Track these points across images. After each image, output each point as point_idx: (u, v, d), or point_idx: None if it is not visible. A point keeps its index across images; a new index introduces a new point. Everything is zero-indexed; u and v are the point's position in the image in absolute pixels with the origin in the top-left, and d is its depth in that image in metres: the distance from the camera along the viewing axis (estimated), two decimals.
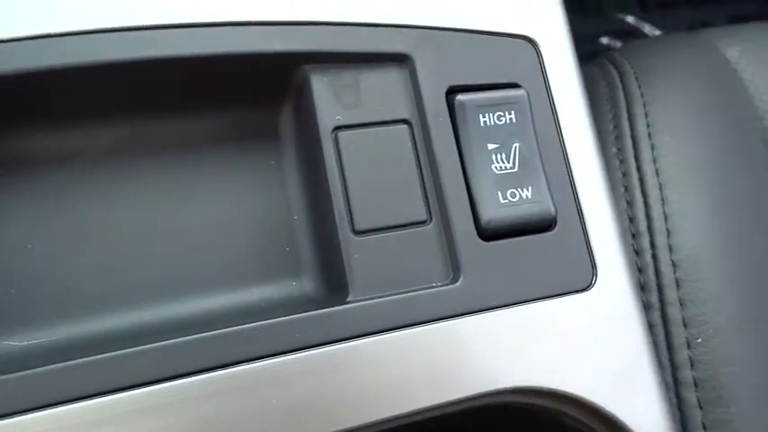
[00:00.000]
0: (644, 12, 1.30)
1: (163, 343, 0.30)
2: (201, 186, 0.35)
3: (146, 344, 0.30)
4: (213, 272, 0.34)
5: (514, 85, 0.37)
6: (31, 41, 0.30)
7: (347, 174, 0.33)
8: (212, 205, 0.35)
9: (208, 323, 0.32)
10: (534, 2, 0.38)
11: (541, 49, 0.38)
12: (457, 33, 0.36)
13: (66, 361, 0.29)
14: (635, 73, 0.52)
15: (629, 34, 1.27)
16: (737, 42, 0.57)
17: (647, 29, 1.28)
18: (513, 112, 0.36)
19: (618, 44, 1.27)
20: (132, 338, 0.31)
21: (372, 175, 0.34)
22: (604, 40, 1.26)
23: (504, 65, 0.37)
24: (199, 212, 0.35)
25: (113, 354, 0.29)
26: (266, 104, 0.35)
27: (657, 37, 0.93)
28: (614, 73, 0.53)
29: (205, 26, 0.33)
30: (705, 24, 1.32)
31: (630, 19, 1.29)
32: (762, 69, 0.55)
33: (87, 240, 0.33)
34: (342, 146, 0.34)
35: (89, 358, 0.29)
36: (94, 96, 0.33)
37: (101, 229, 0.33)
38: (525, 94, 0.36)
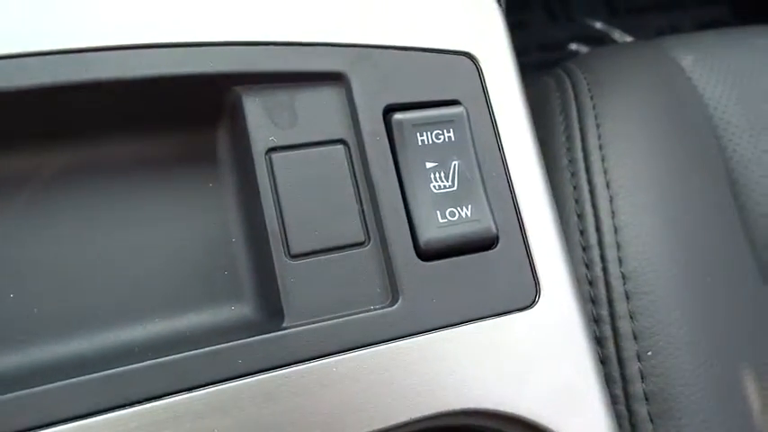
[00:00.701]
0: (613, 17, 1.31)
1: (99, 374, 0.29)
2: (140, 211, 0.34)
3: (80, 375, 0.29)
4: (151, 297, 0.34)
5: (454, 102, 0.36)
6: None
7: (281, 196, 0.33)
8: (151, 230, 0.34)
9: (145, 351, 0.31)
10: (474, 17, 0.38)
11: (482, 65, 0.37)
12: (394, 51, 0.36)
13: None
14: (588, 84, 0.52)
15: (599, 40, 1.28)
16: (691, 51, 0.57)
17: (617, 35, 1.29)
18: (451, 129, 0.35)
19: (586, 50, 1.28)
20: (67, 369, 0.30)
21: (308, 196, 0.33)
22: (573, 46, 1.27)
23: (442, 82, 0.36)
24: (137, 237, 0.34)
25: (46, 387, 0.29)
26: (202, 127, 0.35)
27: (613, 46, 0.93)
28: (568, 83, 0.53)
29: (132, 48, 0.32)
30: (674, 29, 1.33)
31: (599, 25, 1.30)
32: (715, 77, 0.55)
33: (18, 268, 0.32)
34: (276, 168, 0.33)
35: (15, 393, 0.28)
36: (23, 123, 0.32)
37: (33, 256, 0.32)
38: (464, 111, 0.36)
